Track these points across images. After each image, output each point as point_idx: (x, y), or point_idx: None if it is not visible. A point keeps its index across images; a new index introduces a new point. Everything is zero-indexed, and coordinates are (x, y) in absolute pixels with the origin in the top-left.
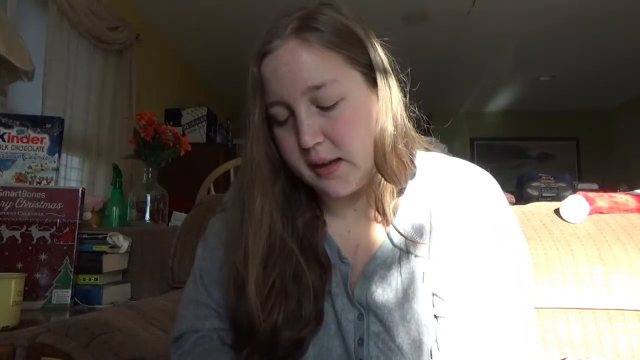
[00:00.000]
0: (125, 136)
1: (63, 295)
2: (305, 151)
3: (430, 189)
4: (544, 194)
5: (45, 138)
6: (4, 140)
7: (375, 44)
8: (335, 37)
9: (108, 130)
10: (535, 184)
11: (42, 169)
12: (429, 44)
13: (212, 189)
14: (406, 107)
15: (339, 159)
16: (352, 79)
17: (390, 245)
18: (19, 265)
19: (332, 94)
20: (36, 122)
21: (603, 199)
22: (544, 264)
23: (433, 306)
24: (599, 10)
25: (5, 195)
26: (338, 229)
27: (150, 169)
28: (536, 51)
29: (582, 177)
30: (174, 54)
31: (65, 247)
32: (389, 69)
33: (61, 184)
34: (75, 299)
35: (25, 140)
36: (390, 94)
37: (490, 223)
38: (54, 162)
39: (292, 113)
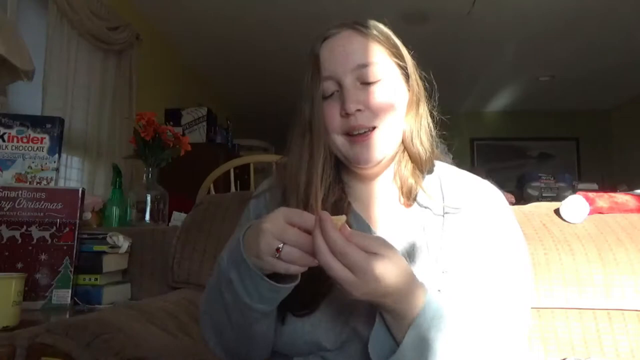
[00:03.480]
0: (125, 136)
1: (63, 295)
2: (345, 119)
3: (447, 186)
4: (544, 194)
5: (45, 138)
6: (4, 140)
7: (409, 55)
8: (382, 35)
9: (108, 130)
10: (535, 184)
11: (42, 169)
12: (429, 44)
13: (212, 189)
14: (430, 113)
15: (374, 128)
16: (391, 68)
17: (409, 224)
18: (19, 265)
19: (375, 74)
20: (36, 122)
21: (603, 199)
22: (544, 264)
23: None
24: (599, 11)
25: (5, 195)
26: (359, 209)
27: (150, 169)
28: (536, 51)
29: (582, 177)
30: (174, 54)
31: (65, 247)
32: (417, 76)
33: (61, 184)
34: (75, 299)
35: (25, 140)
36: (419, 93)
37: (501, 224)
38: (54, 162)
39: (339, 87)
